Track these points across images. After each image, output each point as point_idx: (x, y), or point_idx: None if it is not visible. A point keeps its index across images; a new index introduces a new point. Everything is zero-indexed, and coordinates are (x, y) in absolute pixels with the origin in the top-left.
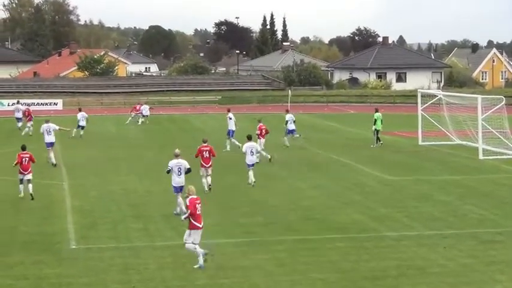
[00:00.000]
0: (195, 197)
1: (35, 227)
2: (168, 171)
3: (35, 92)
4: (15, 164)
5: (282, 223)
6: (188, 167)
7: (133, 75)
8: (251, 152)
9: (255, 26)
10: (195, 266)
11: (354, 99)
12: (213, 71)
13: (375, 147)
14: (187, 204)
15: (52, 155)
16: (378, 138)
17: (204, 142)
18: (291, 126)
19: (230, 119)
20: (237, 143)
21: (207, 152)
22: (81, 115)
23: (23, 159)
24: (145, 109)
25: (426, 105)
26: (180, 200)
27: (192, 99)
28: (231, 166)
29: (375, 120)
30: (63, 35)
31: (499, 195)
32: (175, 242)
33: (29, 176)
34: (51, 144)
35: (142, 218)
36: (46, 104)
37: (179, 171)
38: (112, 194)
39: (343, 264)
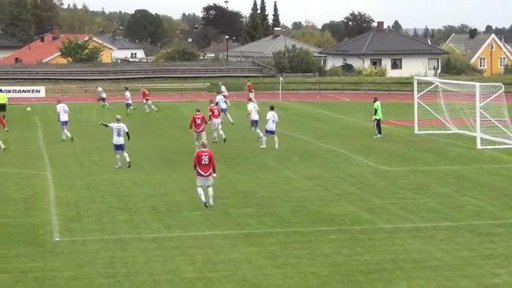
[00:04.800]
0: (204, 149)
1: (17, 218)
2: (106, 125)
3: (17, 78)
4: None
5: (273, 215)
6: (127, 130)
7: (119, 61)
8: (272, 120)
9: (245, 11)
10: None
11: (348, 87)
12: (201, 57)
13: (377, 138)
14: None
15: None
16: (379, 129)
17: (198, 111)
18: (256, 117)
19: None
20: (261, 134)
21: (199, 119)
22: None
23: None
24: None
25: (422, 93)
26: (118, 156)
27: (180, 87)
28: (221, 156)
29: (375, 110)
30: (46, 20)
31: (498, 186)
32: (162, 234)
33: None
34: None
35: (128, 210)
36: (28, 91)
37: (118, 132)
38: (97, 185)
39: (337, 257)
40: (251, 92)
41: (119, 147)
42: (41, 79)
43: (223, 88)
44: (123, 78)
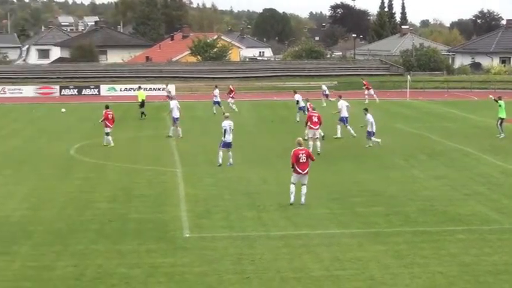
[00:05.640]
0: (300, 147)
1: (148, 214)
2: (225, 131)
3: (147, 77)
4: (102, 120)
5: (401, 214)
6: (233, 128)
7: (247, 59)
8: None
9: (373, 9)
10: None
11: (476, 85)
12: (328, 56)
13: (500, 137)
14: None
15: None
16: (501, 128)
17: (313, 109)
18: (346, 114)
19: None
20: (352, 131)
21: (316, 117)
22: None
23: (109, 115)
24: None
25: None
26: (222, 153)
27: (307, 85)
28: (349, 155)
29: (500, 108)
30: (176, 19)
31: None
32: (289, 231)
33: (110, 130)
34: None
35: (256, 207)
36: (158, 89)
37: (230, 129)
38: (225, 182)
39: (464, 257)
40: (368, 89)
41: (228, 145)
42: (171, 77)
43: (324, 87)
44: (251, 77)
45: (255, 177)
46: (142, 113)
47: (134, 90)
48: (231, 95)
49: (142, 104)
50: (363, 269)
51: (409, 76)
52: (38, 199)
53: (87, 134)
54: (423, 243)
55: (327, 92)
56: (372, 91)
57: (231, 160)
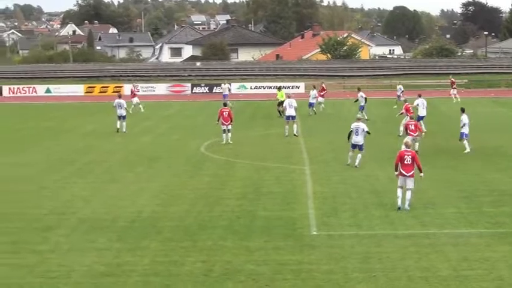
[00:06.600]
0: (407, 149)
1: (276, 211)
2: (350, 133)
3: (277, 75)
4: (218, 119)
5: None
6: (366, 130)
7: (377, 57)
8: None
9: (505, 6)
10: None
11: None
12: (459, 54)
13: None
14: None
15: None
16: None
17: (411, 118)
18: (423, 112)
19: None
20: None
21: (413, 125)
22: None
23: (224, 113)
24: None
25: None
26: (351, 153)
27: (438, 83)
28: (479, 154)
29: None
30: (306, 17)
31: None
32: (417, 231)
33: (230, 127)
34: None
35: (384, 206)
36: (288, 87)
37: (357, 131)
38: (353, 180)
39: None
40: (454, 88)
41: (355, 146)
42: (301, 75)
43: (400, 87)
44: (381, 75)
45: (382, 176)
46: (279, 111)
47: (271, 88)
48: (321, 94)
49: (282, 104)
50: (491, 269)
51: None
52: (169, 195)
53: (217, 132)
54: None
55: (399, 93)
56: (455, 90)
57: (357, 161)
